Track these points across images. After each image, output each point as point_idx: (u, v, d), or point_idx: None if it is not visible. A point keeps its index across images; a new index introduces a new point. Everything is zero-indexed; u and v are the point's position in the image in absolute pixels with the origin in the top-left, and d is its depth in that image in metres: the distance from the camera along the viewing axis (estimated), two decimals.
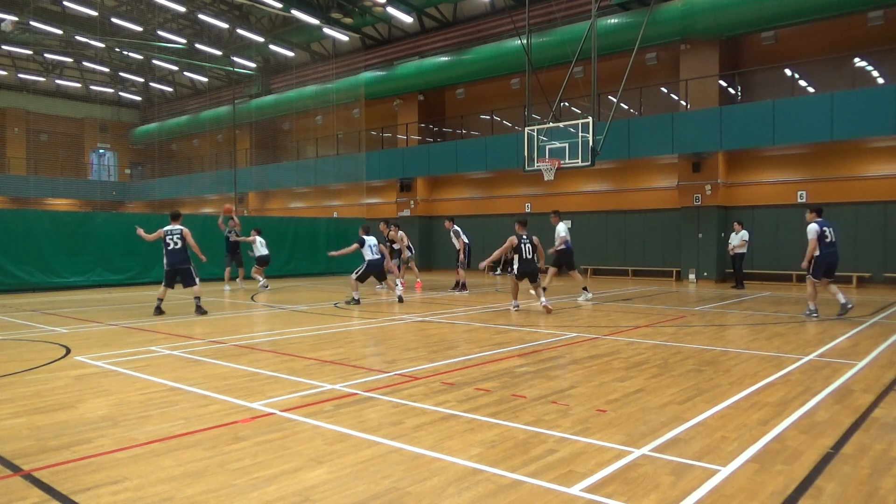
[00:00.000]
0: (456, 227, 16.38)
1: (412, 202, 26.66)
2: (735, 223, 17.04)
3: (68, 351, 7.69)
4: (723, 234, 19.33)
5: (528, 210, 24.14)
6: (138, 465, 3.83)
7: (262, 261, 17.01)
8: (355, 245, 13.20)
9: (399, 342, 8.35)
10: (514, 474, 3.63)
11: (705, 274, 19.39)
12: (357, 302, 12.90)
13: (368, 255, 13.05)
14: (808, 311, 10.77)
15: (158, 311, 11.31)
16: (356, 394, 5.52)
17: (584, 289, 13.81)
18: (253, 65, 32.31)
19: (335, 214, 28.98)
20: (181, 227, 11.37)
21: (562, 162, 15.90)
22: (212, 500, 3.33)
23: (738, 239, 16.71)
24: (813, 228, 10.51)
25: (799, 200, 18.61)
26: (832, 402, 5.24)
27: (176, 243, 11.27)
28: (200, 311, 11.31)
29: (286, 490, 3.44)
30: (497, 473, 3.65)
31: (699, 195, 19.43)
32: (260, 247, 16.97)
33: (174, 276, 11.41)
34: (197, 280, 11.46)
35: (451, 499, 3.31)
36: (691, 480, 3.54)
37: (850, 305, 10.57)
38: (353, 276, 13.05)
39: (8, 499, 3.33)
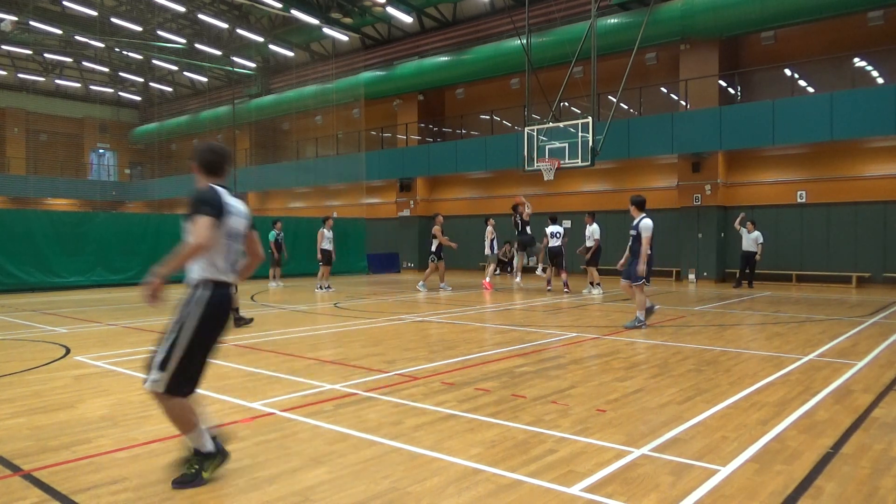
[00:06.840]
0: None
1: (412, 202, 26.65)
2: (749, 223, 16.95)
3: (68, 351, 7.69)
4: (722, 234, 19.32)
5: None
6: (138, 465, 3.83)
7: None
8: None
9: (399, 342, 8.34)
10: (513, 474, 3.63)
11: (705, 274, 19.38)
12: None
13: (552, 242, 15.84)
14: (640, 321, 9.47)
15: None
16: (356, 394, 5.52)
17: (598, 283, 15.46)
18: (253, 65, 32.28)
19: (335, 214, 28.95)
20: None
21: (562, 162, 15.91)
22: (212, 500, 3.33)
23: (750, 239, 16.68)
24: (651, 224, 9.41)
25: (799, 200, 18.60)
26: (832, 402, 5.24)
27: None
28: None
29: (286, 490, 3.44)
30: (497, 473, 3.65)
31: (699, 195, 19.42)
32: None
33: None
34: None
35: (450, 499, 3.31)
36: (691, 480, 3.54)
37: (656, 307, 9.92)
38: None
39: (8, 499, 3.33)
